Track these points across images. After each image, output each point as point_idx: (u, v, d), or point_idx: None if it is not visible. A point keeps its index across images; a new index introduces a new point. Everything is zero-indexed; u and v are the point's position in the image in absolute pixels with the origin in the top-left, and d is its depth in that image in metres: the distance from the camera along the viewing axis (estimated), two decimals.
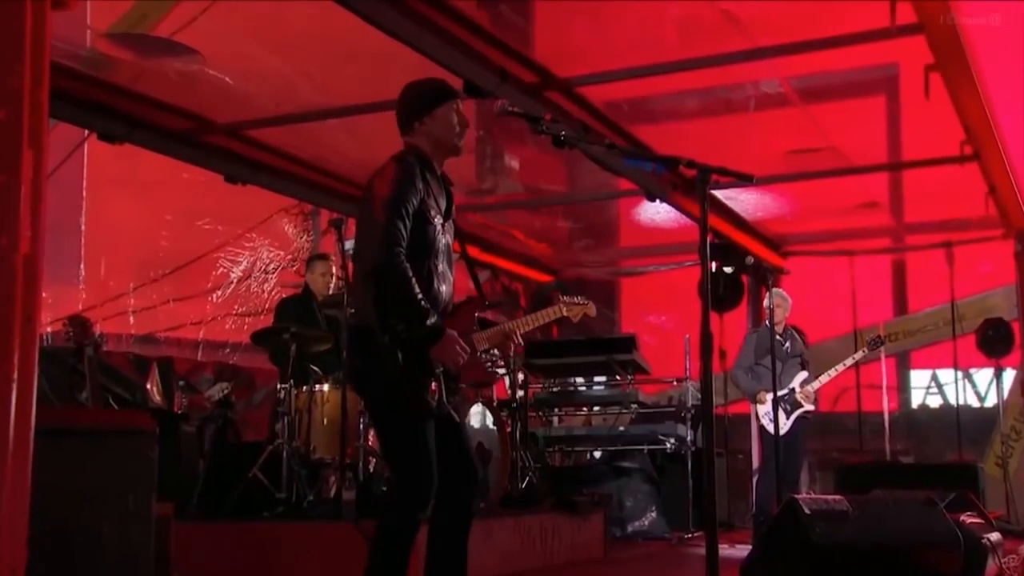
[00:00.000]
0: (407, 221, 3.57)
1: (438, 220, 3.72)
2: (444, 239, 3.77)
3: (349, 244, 4.85)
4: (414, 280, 3.54)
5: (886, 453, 10.16)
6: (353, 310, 3.76)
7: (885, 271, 11.67)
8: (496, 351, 7.62)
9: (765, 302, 7.82)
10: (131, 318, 9.25)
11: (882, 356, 9.84)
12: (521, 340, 4.16)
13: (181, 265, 9.46)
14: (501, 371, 7.80)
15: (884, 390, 10.19)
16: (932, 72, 6.23)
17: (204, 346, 9.60)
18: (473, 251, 10.38)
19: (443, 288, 3.76)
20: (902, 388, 11.82)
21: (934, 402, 11.76)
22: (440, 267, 3.74)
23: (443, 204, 3.79)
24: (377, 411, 3.81)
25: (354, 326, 3.77)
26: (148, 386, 8.16)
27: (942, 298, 10.52)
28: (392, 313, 3.57)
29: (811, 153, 8.09)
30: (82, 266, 9.19)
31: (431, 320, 3.57)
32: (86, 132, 7.84)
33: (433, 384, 3.61)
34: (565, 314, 4.47)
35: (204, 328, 9.63)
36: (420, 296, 3.55)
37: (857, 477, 8.31)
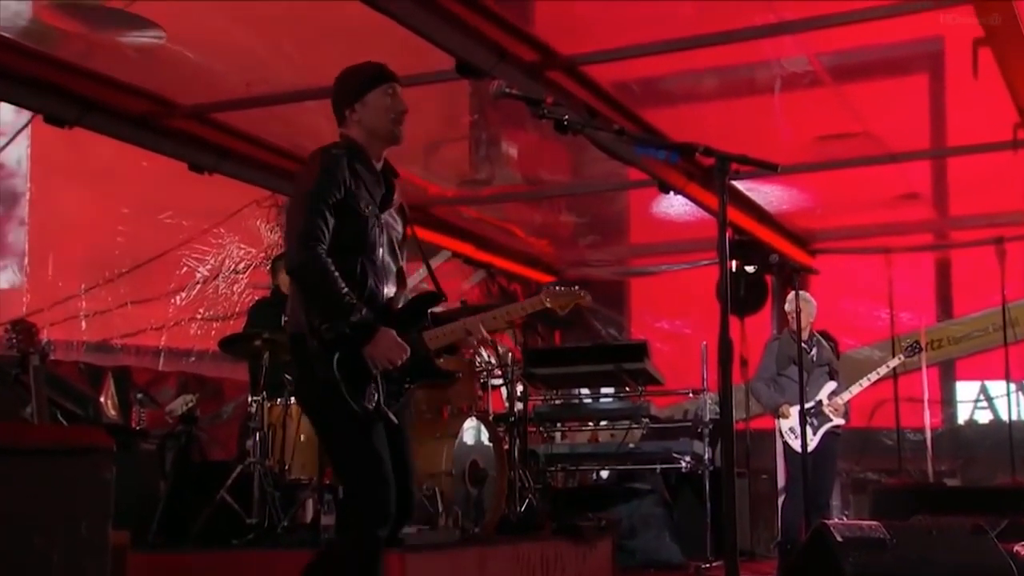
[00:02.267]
0: (328, 216, 3.66)
1: (370, 211, 3.79)
2: (382, 233, 3.84)
3: None
4: (337, 275, 3.63)
5: (929, 474, 10.16)
6: (287, 317, 3.87)
7: (927, 271, 11.68)
8: (492, 359, 7.67)
9: (787, 306, 7.83)
10: (83, 323, 9.23)
11: (923, 366, 9.85)
12: (487, 336, 4.13)
13: (140, 264, 9.44)
14: (497, 381, 7.81)
15: (926, 403, 10.18)
16: (982, 47, 6.25)
17: (165, 354, 9.59)
18: (467, 249, 10.41)
19: (384, 286, 3.83)
20: (947, 401, 11.82)
21: (983, 417, 11.75)
22: (378, 262, 3.81)
23: (379, 195, 3.86)
24: (318, 422, 3.93)
25: (289, 334, 3.87)
26: (102, 399, 8.16)
27: (992, 301, 10.53)
28: (316, 312, 3.67)
29: (844, 139, 8.11)
30: (26, 264, 9.19)
31: (356, 316, 3.64)
32: (30, 114, 7.84)
33: (372, 387, 3.68)
34: (548, 305, 4.16)
35: (166, 334, 9.62)
36: (344, 291, 3.64)
37: (896, 501, 8.33)
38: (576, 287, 4.28)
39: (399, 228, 3.97)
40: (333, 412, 3.69)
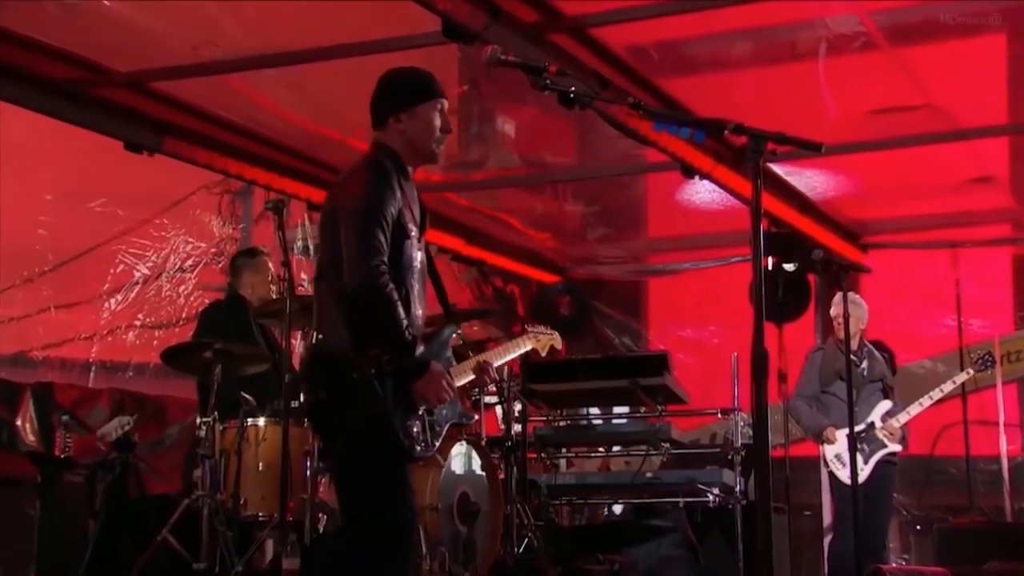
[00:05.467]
0: (387, 233, 3.95)
1: (415, 233, 4.12)
2: (421, 255, 4.17)
3: (294, 234, 4.98)
4: (399, 303, 3.91)
5: (1006, 512, 10.19)
6: (321, 335, 4.12)
7: (1003, 269, 11.70)
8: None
9: (832, 311, 7.86)
10: None
11: (998, 382, 9.88)
12: (495, 374, 4.90)
13: (65, 260, 9.47)
14: (491, 399, 7.83)
15: (1002, 427, 10.22)
16: None
17: (97, 368, 9.61)
18: (455, 244, 10.44)
19: (420, 312, 4.15)
20: None
21: None
22: (416, 287, 4.12)
23: (419, 215, 4.19)
24: (349, 456, 4.08)
25: (321, 353, 4.10)
26: (18, 422, 8.18)
27: None
28: (373, 340, 3.92)
29: (902, 113, 8.13)
30: None
31: (418, 351, 3.96)
32: None
33: (416, 425, 4.00)
34: (535, 345, 5.64)
35: (97, 344, 9.65)
36: (406, 322, 3.93)
37: (966, 543, 8.35)
38: (552, 330, 6.11)
39: (424, 250, 4.29)
40: (374, 446, 3.98)
